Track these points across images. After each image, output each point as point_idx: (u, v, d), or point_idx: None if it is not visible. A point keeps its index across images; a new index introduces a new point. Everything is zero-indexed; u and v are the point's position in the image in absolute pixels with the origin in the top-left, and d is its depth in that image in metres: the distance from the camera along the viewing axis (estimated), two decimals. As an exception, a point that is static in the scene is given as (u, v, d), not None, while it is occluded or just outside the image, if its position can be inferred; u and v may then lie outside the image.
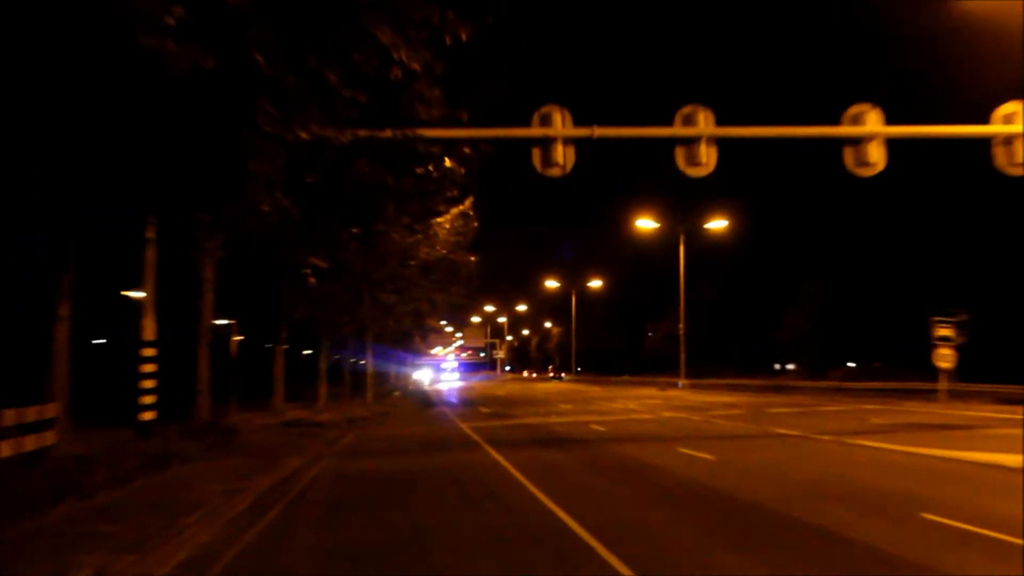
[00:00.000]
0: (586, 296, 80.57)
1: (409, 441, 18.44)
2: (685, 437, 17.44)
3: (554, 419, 24.51)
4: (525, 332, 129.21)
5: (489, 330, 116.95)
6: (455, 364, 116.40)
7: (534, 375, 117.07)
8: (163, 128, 7.96)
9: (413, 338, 48.41)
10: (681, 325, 47.47)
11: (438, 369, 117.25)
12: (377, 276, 24.46)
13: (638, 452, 14.59)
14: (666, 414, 25.56)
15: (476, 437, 18.51)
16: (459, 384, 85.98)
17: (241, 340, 22.61)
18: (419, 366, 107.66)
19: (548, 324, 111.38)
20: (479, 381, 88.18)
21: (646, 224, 48.44)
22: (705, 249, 52.93)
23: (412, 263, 25.02)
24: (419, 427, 23.04)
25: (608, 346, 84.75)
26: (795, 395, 36.82)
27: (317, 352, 29.76)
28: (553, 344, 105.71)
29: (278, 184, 9.98)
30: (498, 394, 50.11)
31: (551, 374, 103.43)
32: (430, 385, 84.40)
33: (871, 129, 14.61)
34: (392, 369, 72.31)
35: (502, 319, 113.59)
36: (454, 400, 42.96)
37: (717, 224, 47.08)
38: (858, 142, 14.64)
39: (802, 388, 39.28)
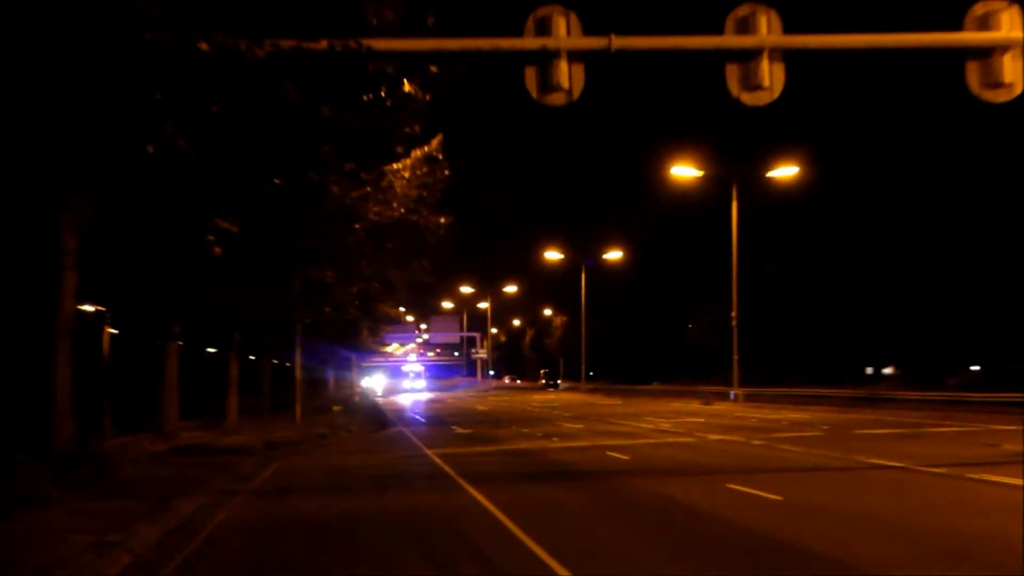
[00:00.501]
0: (601, 274, 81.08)
1: (355, 475, 18.62)
2: (739, 470, 17.67)
3: (556, 443, 24.93)
4: (516, 323, 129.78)
5: (465, 320, 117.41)
6: (419, 367, 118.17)
7: (518, 382, 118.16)
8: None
9: (360, 331, 48.47)
10: (734, 312, 47.38)
11: (396, 374, 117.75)
12: (309, 245, 24.34)
13: (675, 489, 14.79)
14: (712, 437, 25.85)
15: (449, 469, 18.71)
16: (425, 394, 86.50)
17: (117, 335, 22.45)
18: (369, 370, 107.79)
19: (548, 312, 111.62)
20: (452, 392, 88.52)
21: (684, 173, 48.23)
22: (766, 207, 52.72)
23: (358, 227, 24.90)
24: (369, 455, 23.34)
25: (631, 342, 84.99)
26: (894, 409, 37.21)
27: (226, 352, 29.70)
28: (555, 340, 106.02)
29: (169, 116, 9.81)
30: (479, 408, 50.55)
31: (543, 380, 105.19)
32: (384, 396, 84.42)
33: (1006, 36, 14.14)
34: (331, 375, 72.47)
35: (484, 304, 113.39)
36: (418, 417, 43.36)
37: (782, 172, 46.85)
38: (987, 53, 14.25)
39: (904, 401, 39.37)
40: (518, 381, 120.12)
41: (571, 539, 10.78)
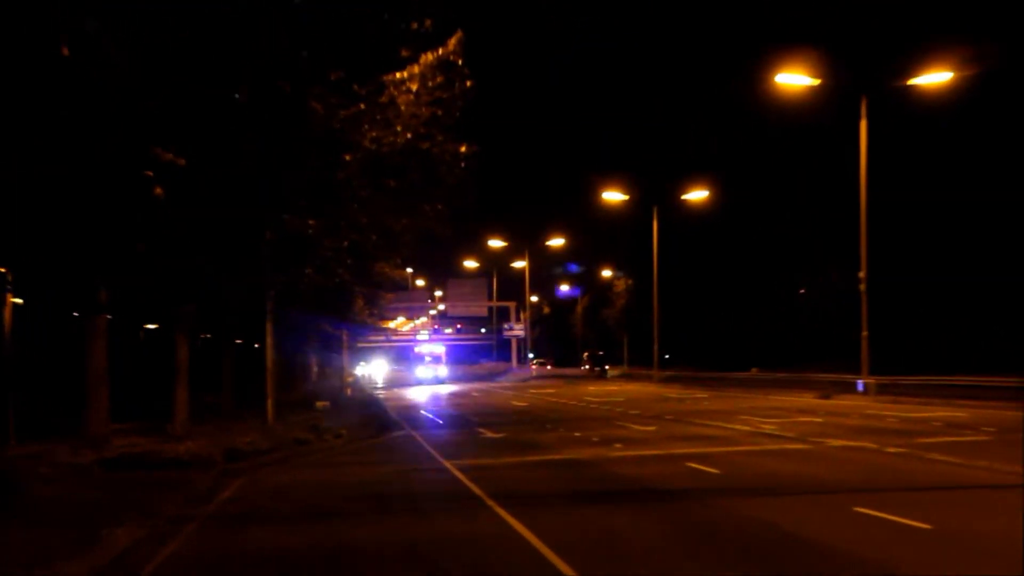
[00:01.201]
0: (679, 223, 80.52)
1: (347, 495, 18.57)
2: (871, 487, 17.52)
3: (619, 451, 25.09)
4: (563, 287, 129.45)
5: (495, 285, 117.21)
6: (438, 348, 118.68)
7: (547, 367, 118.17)
8: None
9: (353, 301, 48.40)
10: (862, 273, 46.71)
11: (403, 357, 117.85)
12: (283, 185, 24.27)
13: (782, 515, 14.74)
14: (833, 442, 25.68)
15: (475, 487, 18.85)
16: (441, 386, 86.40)
17: (22, 306, 22.44)
18: (366, 353, 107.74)
19: (607, 273, 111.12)
20: (477, 384, 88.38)
21: (792, 81, 47.35)
22: (903, 126, 51.30)
23: (349, 158, 24.79)
24: (366, 467, 23.53)
25: (720, 316, 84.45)
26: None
27: (172, 329, 29.74)
28: (617, 311, 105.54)
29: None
30: (515, 405, 50.77)
31: (586, 365, 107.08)
32: (386, 388, 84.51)
33: None
34: (315, 359, 72.50)
35: (519, 264, 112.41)
36: (433, 416, 43.53)
37: (930, 79, 45.44)
38: None
39: None
40: (548, 367, 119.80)
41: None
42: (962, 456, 21.60)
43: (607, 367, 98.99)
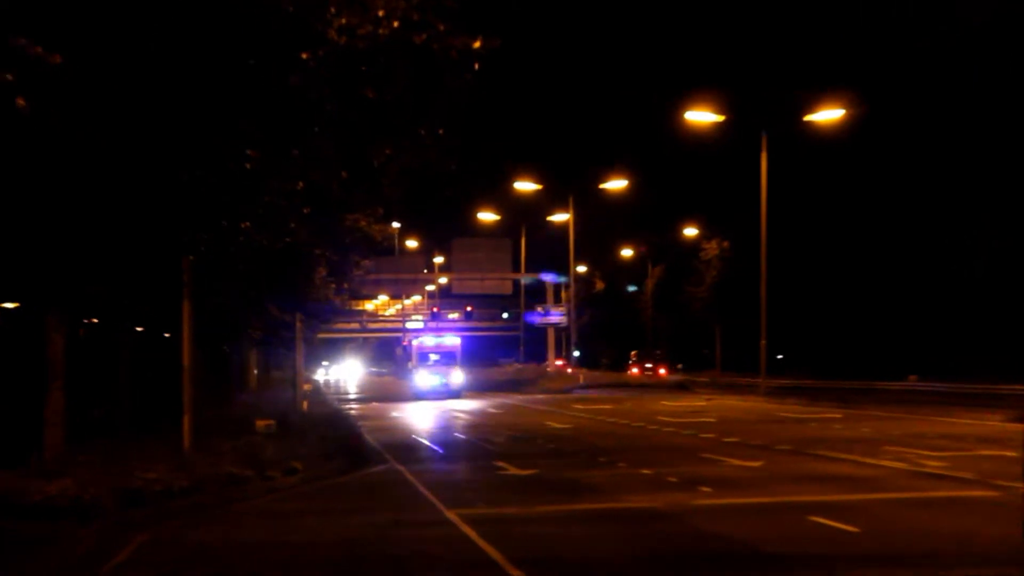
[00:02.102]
0: (798, 158, 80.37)
1: (304, 562, 18.59)
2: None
3: (707, 499, 25.07)
4: (626, 253, 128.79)
5: (524, 250, 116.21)
6: (448, 340, 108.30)
7: (604, 368, 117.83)
8: None
9: (312, 270, 47.90)
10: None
11: (389, 354, 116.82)
12: (217, 85, 24.18)
13: None
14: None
15: (493, 551, 18.68)
16: (458, 400, 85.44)
17: None
18: (332, 348, 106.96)
19: (692, 231, 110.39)
20: (496, 396, 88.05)
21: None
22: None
23: (308, 55, 24.67)
24: (331, 521, 23.20)
25: (858, 299, 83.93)
26: None
27: (39, 313, 29.64)
28: (706, 287, 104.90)
29: None
30: (551, 426, 51.01)
31: (634, 368, 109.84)
32: (361, 401, 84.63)
33: None
34: (256, 356, 72.23)
35: (562, 216, 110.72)
36: (429, 442, 43.68)
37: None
38: None
39: None
40: (604, 366, 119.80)
41: None
42: None
43: (679, 366, 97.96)
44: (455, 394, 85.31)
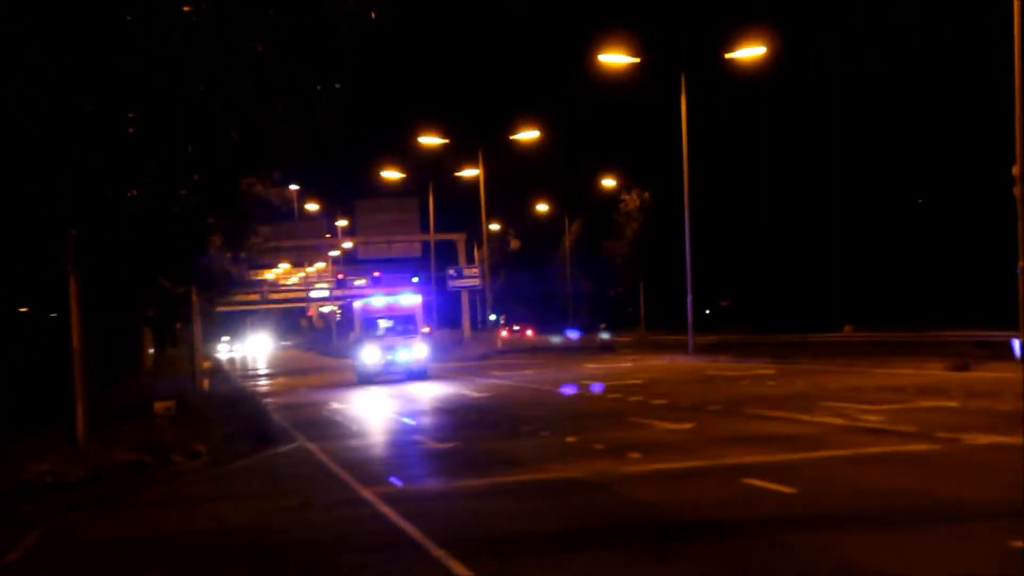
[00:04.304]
0: (718, 100, 79.50)
1: (210, 556, 17.98)
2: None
3: (636, 465, 24.57)
4: (541, 208, 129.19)
5: (432, 209, 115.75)
6: (405, 299, 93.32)
7: (529, 334, 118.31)
8: None
9: (206, 239, 47.64)
10: (1016, 168, 46.79)
11: (290, 323, 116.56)
12: (87, 48, 24.09)
13: (893, 559, 14.72)
14: (978, 439, 25.00)
15: (413, 530, 18.52)
16: (420, 383, 77.28)
17: None
18: (233, 321, 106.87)
19: (610, 183, 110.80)
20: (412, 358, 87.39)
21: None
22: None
23: (190, 7, 24.60)
24: (239, 506, 22.81)
25: (788, 246, 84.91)
26: None
27: None
28: (626, 241, 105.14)
29: None
30: (470, 395, 52.60)
31: (503, 329, 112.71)
32: (268, 375, 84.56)
33: None
34: (150, 334, 72.04)
35: (471, 172, 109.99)
36: (340, 418, 44.49)
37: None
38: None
39: None
40: (528, 333, 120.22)
41: None
42: None
43: (608, 335, 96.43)
44: (418, 374, 67.23)
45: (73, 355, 29.61)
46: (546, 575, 15.15)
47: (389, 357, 67.59)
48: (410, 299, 75.51)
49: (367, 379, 65.20)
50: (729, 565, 14.85)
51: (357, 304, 75.70)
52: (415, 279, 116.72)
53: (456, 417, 39.25)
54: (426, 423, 37.55)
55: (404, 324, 69.68)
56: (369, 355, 66.07)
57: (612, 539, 16.98)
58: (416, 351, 68.06)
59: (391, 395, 46.38)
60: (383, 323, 69.54)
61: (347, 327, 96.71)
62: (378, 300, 74.75)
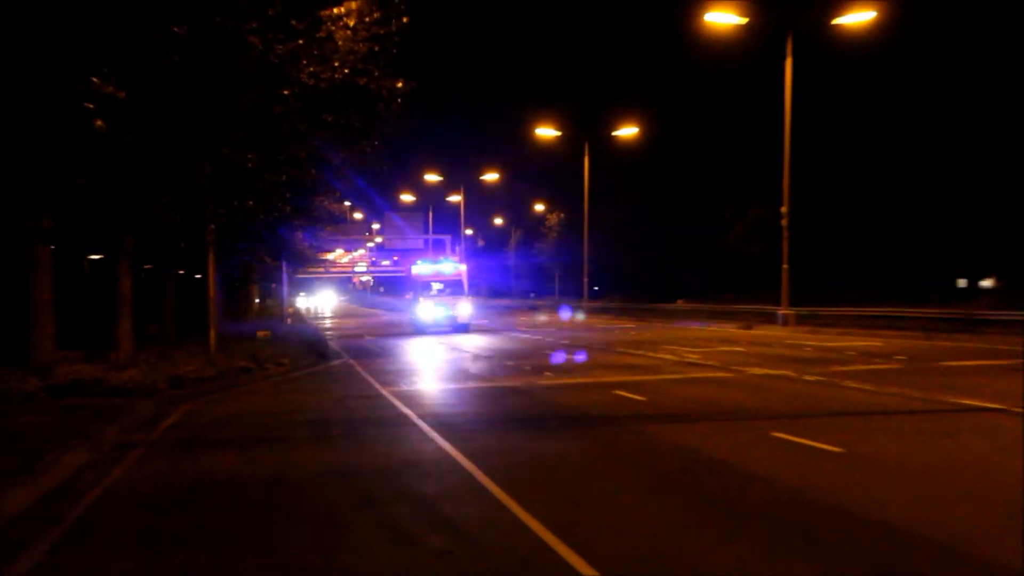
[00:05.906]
0: (611, 159, 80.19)
1: (288, 422, 18.59)
2: (788, 413, 17.82)
3: (549, 380, 25.26)
4: (497, 221, 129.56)
5: (431, 219, 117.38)
6: (449, 267, 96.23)
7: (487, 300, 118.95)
8: None
9: (293, 234, 48.29)
10: (784, 208, 46.86)
11: (344, 288, 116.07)
12: (221, 117, 23.98)
13: (703, 439, 14.98)
14: (754, 371, 26.07)
15: (411, 413, 19.10)
16: (467, 335, 76.51)
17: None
18: (306, 284, 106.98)
19: (539, 207, 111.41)
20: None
21: (721, 19, 46.71)
22: (829, 71, 51.30)
23: (287, 93, 24.55)
24: (306, 394, 23.52)
25: (649, 249, 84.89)
26: (995, 334, 36.95)
27: (114, 261, 29.40)
28: (550, 243, 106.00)
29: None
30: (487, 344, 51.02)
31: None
32: (331, 318, 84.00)
33: None
34: (257, 290, 72.28)
35: (455, 198, 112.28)
36: (373, 347, 43.59)
37: (853, 19, 43.57)
38: None
39: (1010, 323, 38.26)
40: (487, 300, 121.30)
41: (561, 499, 11.13)
42: (875, 383, 22.05)
43: (537, 303, 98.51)
44: (462, 328, 56.49)
45: (209, 302, 29.81)
46: (485, 438, 15.80)
47: (438, 313, 57.05)
48: (453, 267, 62.65)
49: (421, 331, 55.73)
50: (602, 440, 15.42)
51: (414, 269, 62.97)
52: (419, 261, 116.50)
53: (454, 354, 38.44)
54: (434, 358, 37.14)
55: (452, 287, 58.92)
56: (423, 311, 56.98)
57: (533, 423, 17.66)
58: (460, 309, 57.56)
59: (426, 341, 45.29)
60: (435, 285, 58.88)
61: (395, 290, 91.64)
62: (426, 267, 61.36)
